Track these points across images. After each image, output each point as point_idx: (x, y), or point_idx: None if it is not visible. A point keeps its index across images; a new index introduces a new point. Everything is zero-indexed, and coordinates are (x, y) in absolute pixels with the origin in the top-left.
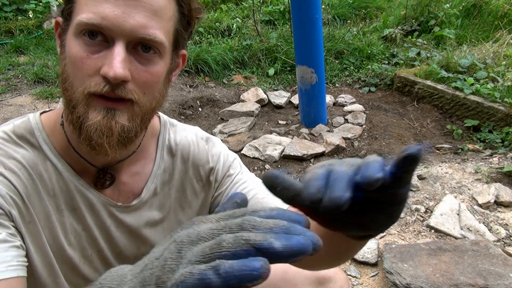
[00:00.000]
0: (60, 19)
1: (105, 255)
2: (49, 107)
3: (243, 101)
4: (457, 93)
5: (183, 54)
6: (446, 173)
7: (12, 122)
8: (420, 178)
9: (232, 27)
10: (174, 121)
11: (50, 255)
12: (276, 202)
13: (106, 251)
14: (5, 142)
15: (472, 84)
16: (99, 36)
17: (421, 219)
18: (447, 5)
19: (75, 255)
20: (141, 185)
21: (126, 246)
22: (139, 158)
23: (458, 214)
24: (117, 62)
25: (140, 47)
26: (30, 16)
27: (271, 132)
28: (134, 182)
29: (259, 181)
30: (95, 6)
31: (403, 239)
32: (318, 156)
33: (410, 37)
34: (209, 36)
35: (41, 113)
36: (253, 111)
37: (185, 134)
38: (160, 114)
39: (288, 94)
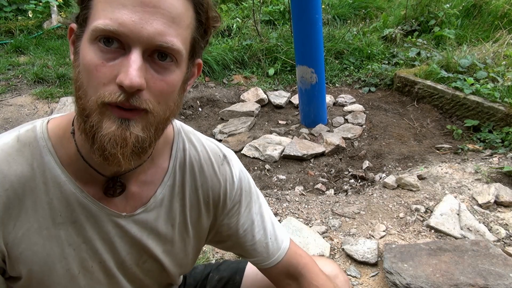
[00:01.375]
0: (74, 26)
1: (107, 265)
2: (49, 107)
3: (243, 101)
4: (457, 93)
5: (198, 63)
6: (446, 173)
7: (18, 130)
8: (420, 178)
9: (232, 27)
10: (189, 128)
11: (35, 273)
12: (280, 233)
13: (109, 261)
14: (3, 154)
15: (472, 84)
16: (115, 43)
17: (421, 219)
18: (447, 5)
19: (74, 267)
20: (149, 194)
21: (128, 255)
22: (149, 167)
23: (458, 214)
24: (133, 70)
25: (157, 55)
26: (30, 16)
27: (271, 132)
28: (143, 191)
29: (267, 210)
30: (112, 12)
31: (403, 239)
32: (318, 156)
33: (410, 37)
34: None
35: (50, 119)
36: (253, 111)
37: (201, 149)
38: (174, 120)
39: (288, 94)
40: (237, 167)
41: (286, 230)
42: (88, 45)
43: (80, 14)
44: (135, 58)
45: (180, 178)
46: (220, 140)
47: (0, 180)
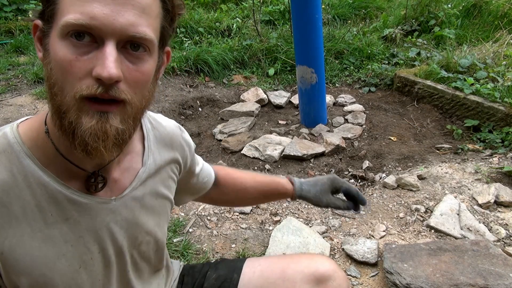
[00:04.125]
0: (39, 22)
1: (107, 255)
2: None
3: (243, 101)
4: (457, 93)
5: (167, 51)
6: (446, 173)
7: None
8: (420, 178)
9: (232, 27)
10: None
11: (37, 276)
12: (208, 171)
13: (108, 250)
14: None
15: (472, 84)
16: (87, 37)
17: (421, 219)
18: (448, 5)
19: (74, 262)
20: (131, 178)
21: (124, 240)
22: (125, 153)
23: (458, 214)
24: (110, 62)
25: (130, 45)
26: (30, 16)
27: (271, 132)
28: (125, 177)
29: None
30: (82, 6)
31: (403, 239)
32: (318, 156)
33: (410, 37)
34: (209, 36)
35: (18, 124)
36: (253, 111)
37: (165, 124)
38: None
39: (288, 94)
40: (186, 133)
41: (207, 164)
42: (59, 41)
43: (45, 10)
44: (110, 51)
45: (158, 155)
46: (220, 140)
47: None
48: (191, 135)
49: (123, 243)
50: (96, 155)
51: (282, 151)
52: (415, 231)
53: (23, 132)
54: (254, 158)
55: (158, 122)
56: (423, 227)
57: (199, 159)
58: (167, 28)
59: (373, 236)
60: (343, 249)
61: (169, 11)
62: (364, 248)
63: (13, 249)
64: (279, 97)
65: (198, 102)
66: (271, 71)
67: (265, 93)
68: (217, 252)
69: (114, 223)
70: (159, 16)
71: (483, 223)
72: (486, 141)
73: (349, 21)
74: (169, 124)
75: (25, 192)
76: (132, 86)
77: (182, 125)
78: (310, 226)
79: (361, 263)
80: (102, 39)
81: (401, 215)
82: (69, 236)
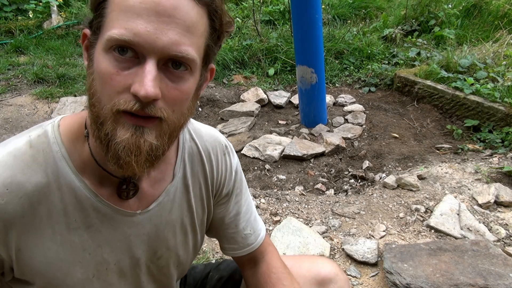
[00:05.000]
0: (87, 31)
1: (122, 266)
2: (49, 107)
3: (243, 101)
4: (457, 93)
5: (211, 68)
6: (446, 173)
7: (28, 134)
8: (420, 178)
9: None
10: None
11: (49, 278)
12: (258, 229)
13: (124, 261)
14: (16, 162)
15: (472, 84)
16: (130, 52)
17: (421, 219)
18: (448, 5)
19: (88, 270)
20: (161, 190)
21: (143, 253)
22: (160, 163)
23: (458, 214)
24: (148, 80)
25: (171, 63)
26: (30, 16)
27: (271, 132)
28: (155, 188)
29: (251, 203)
30: (127, 22)
31: (403, 239)
32: (318, 156)
33: (410, 37)
34: None
35: (59, 122)
36: (253, 111)
37: (207, 138)
38: None
39: (288, 94)
40: (236, 159)
41: (262, 222)
42: (103, 53)
43: (94, 21)
44: (150, 69)
45: (190, 168)
46: None
47: (15, 189)
48: None
49: (141, 256)
50: (128, 170)
51: (282, 151)
52: (415, 231)
53: (63, 133)
54: (254, 158)
55: (200, 135)
56: (423, 227)
57: (252, 209)
58: (212, 46)
59: (373, 236)
60: (343, 249)
61: (216, 29)
62: (364, 248)
63: (31, 248)
64: (279, 97)
65: (198, 102)
66: (271, 71)
67: (265, 93)
68: (217, 252)
69: (136, 236)
70: (204, 34)
71: (483, 223)
72: (486, 141)
73: (349, 21)
74: (211, 139)
75: (54, 194)
76: (170, 104)
77: None
78: (310, 226)
79: (361, 263)
80: (144, 56)
81: (401, 215)
82: (88, 244)
